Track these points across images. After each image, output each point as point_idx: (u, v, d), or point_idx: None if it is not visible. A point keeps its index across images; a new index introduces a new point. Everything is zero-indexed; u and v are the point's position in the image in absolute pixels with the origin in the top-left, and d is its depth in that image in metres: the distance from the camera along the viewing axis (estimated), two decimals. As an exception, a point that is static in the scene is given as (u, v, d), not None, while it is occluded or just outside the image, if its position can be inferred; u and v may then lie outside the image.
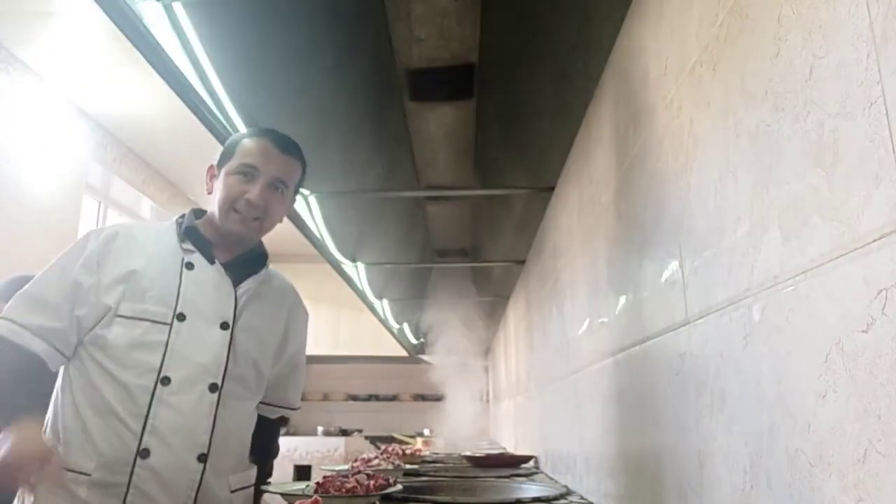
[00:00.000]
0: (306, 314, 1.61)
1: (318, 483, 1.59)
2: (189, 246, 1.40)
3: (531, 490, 2.03)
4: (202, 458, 1.30)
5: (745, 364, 0.82)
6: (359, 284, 3.59)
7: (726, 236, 0.87)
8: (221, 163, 1.43)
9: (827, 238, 0.64)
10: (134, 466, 1.24)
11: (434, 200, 2.89)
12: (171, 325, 1.31)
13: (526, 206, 2.76)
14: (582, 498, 1.82)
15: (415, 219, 3.22)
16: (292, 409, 1.62)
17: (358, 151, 2.35)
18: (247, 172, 1.38)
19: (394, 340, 5.96)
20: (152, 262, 1.36)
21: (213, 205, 1.43)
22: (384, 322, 4.83)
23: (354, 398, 8.20)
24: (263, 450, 1.56)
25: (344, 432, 7.47)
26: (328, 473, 1.74)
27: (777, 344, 0.74)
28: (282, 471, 6.92)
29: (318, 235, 2.64)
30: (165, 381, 1.28)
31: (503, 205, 2.98)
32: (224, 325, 1.36)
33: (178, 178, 5.15)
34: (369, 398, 8.20)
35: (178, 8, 1.28)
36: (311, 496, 1.41)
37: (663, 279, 1.13)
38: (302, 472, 6.80)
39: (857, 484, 0.59)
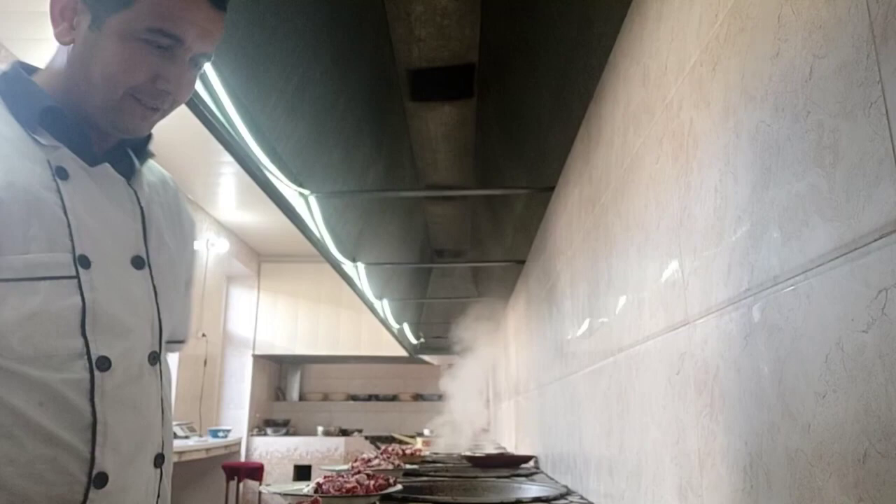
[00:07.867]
0: (192, 215, 1.15)
1: (318, 483, 1.60)
2: (49, 139, 0.84)
3: (531, 490, 2.03)
4: (159, 460, 0.90)
5: (745, 364, 0.82)
6: (359, 284, 3.59)
7: (726, 236, 0.87)
8: (107, 3, 0.84)
9: (827, 238, 0.64)
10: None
11: (434, 200, 2.90)
12: (77, 277, 0.82)
13: (526, 206, 2.76)
14: (582, 498, 1.82)
15: (415, 219, 3.23)
16: (179, 342, 1.11)
17: (358, 151, 2.35)
18: (164, 44, 0.85)
19: (394, 340, 5.97)
20: (9, 175, 0.79)
21: (71, 67, 0.86)
22: (384, 322, 4.83)
23: (354, 398, 8.22)
24: None
25: (344, 432, 7.49)
26: (328, 473, 1.74)
27: (777, 344, 0.74)
28: (282, 470, 6.93)
29: (318, 235, 2.64)
30: (103, 364, 0.82)
31: (503, 205, 2.99)
32: (138, 262, 0.89)
33: (179, 180, 5.15)
34: (369, 398, 8.21)
35: (178, 8, 1.28)
36: (311, 496, 1.42)
37: (663, 279, 1.13)
38: (302, 472, 6.81)
39: (857, 484, 0.59)
